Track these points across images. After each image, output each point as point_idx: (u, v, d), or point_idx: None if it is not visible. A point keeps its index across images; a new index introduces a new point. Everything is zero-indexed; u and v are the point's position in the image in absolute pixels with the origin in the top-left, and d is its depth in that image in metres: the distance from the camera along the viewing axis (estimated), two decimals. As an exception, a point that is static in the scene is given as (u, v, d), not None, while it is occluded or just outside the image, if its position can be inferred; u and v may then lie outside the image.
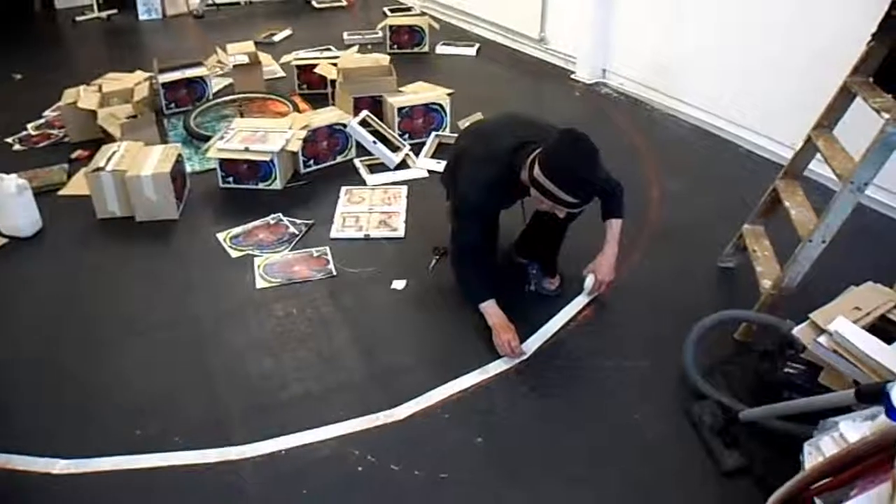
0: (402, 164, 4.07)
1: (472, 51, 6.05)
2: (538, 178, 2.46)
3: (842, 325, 2.18)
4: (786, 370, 2.40)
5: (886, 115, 2.41)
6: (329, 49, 5.67)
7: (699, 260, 3.32)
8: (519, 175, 2.62)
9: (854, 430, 1.82)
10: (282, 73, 5.30)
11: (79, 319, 2.93)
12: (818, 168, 3.13)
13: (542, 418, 2.48)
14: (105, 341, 2.81)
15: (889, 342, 2.15)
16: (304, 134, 3.82)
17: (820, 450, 1.88)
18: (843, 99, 2.85)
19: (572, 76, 5.53)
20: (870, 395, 1.79)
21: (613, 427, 2.45)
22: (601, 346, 2.80)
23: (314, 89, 4.97)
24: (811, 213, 2.78)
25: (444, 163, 4.01)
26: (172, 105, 4.71)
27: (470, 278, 2.83)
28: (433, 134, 4.34)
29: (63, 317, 2.95)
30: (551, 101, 5.28)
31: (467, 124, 4.44)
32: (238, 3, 7.31)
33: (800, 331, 2.31)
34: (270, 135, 3.80)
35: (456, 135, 4.30)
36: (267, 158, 3.69)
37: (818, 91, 3.81)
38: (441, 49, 6.04)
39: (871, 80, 2.73)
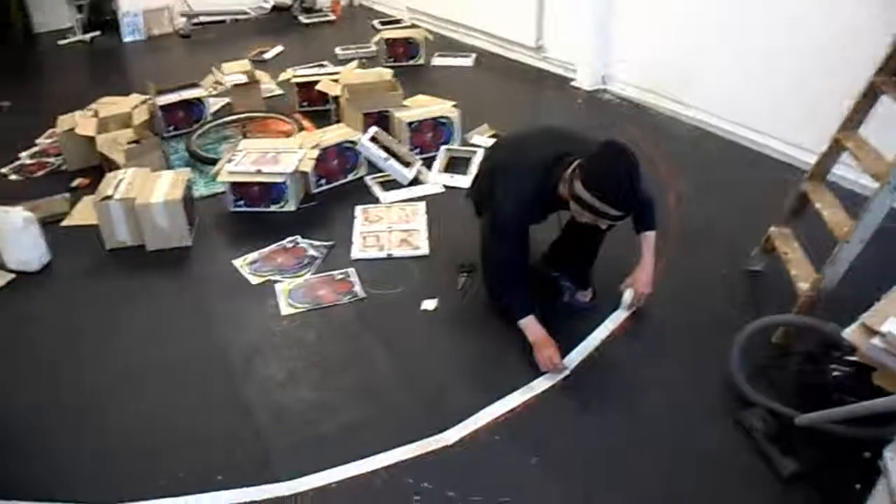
0: (415, 180, 3.98)
1: (468, 61, 5.99)
2: (580, 193, 2.39)
3: (895, 325, 2.13)
4: (833, 373, 2.36)
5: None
6: (324, 65, 5.59)
7: (725, 264, 3.27)
8: (556, 188, 2.56)
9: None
10: (279, 91, 5.19)
11: (96, 356, 2.81)
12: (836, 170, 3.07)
13: (594, 434, 2.42)
14: (129, 380, 2.68)
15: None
16: (315, 153, 3.72)
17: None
18: (869, 99, 2.82)
19: (572, 83, 5.48)
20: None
21: (667, 439, 2.39)
22: (642, 357, 2.75)
23: (314, 106, 4.87)
24: (844, 213, 2.75)
25: (458, 177, 3.99)
26: (171, 128, 4.59)
27: (508, 294, 2.76)
28: (443, 148, 4.27)
29: (79, 354, 2.82)
30: (554, 109, 5.24)
31: (486, 138, 4.41)
32: (223, 21, 7.18)
33: (851, 333, 2.25)
34: (281, 155, 3.70)
35: (466, 147, 4.30)
36: (280, 180, 3.59)
37: (824, 90, 3.83)
38: (437, 61, 5.97)
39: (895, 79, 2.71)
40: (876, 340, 2.12)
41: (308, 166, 3.67)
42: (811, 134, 3.95)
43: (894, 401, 2.00)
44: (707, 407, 2.51)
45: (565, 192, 2.51)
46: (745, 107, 4.43)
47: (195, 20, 6.98)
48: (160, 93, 4.55)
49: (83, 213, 3.66)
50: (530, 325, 2.69)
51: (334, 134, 3.96)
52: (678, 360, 2.72)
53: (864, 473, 2.10)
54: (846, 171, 3.36)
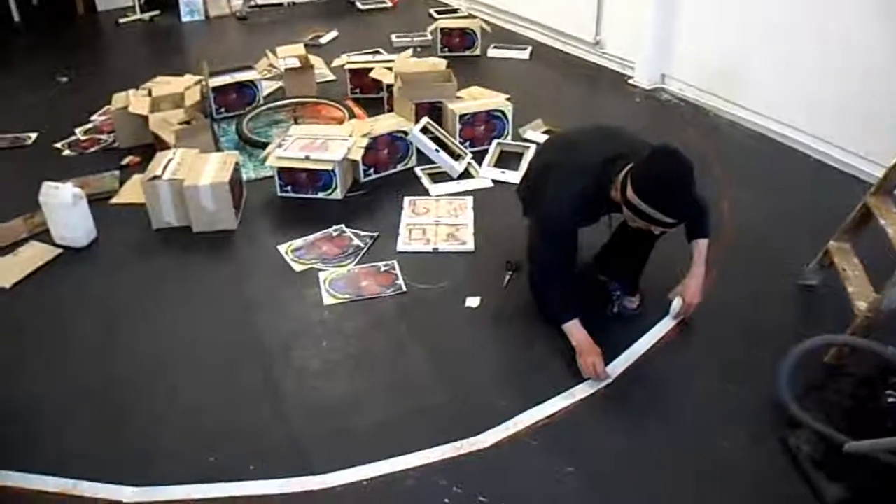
0: (465, 174, 3.91)
1: (524, 54, 5.89)
2: (632, 199, 2.31)
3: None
4: (889, 399, 2.23)
5: None
6: (379, 52, 5.55)
7: (777, 276, 3.14)
8: (608, 191, 2.47)
9: None
10: (332, 77, 5.17)
11: (138, 338, 2.80)
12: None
13: (633, 445, 2.33)
14: (167, 362, 2.67)
15: None
16: (365, 142, 3.67)
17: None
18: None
19: (629, 81, 5.34)
20: None
21: (708, 455, 2.30)
22: (687, 370, 2.65)
23: (367, 94, 4.84)
24: (911, 230, 2.62)
25: (508, 172, 3.91)
26: (223, 110, 4.59)
27: (553, 297, 2.68)
28: (495, 142, 4.19)
29: (122, 335, 2.82)
30: (610, 107, 5.10)
31: (540, 133, 4.33)
32: (281, 5, 7.20)
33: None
34: (330, 142, 3.66)
35: (518, 142, 4.22)
36: (329, 167, 3.55)
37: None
38: (493, 52, 5.88)
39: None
40: None
41: (357, 155, 3.62)
42: (879, 144, 3.81)
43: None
44: (753, 425, 2.40)
45: (617, 196, 2.42)
46: (808, 112, 4.25)
47: (252, 2, 7.00)
48: (213, 74, 4.55)
49: (131, 192, 3.67)
50: (575, 330, 2.61)
51: (385, 123, 3.91)
52: (725, 375, 2.61)
53: None
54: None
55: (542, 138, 4.27)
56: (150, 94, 4.28)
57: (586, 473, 2.21)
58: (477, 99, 4.30)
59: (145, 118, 4.05)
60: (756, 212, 3.59)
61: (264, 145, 3.97)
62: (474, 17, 6.18)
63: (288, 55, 4.82)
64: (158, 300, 3.01)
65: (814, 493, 2.16)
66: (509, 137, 4.28)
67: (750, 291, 3.03)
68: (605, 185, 2.47)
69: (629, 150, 2.49)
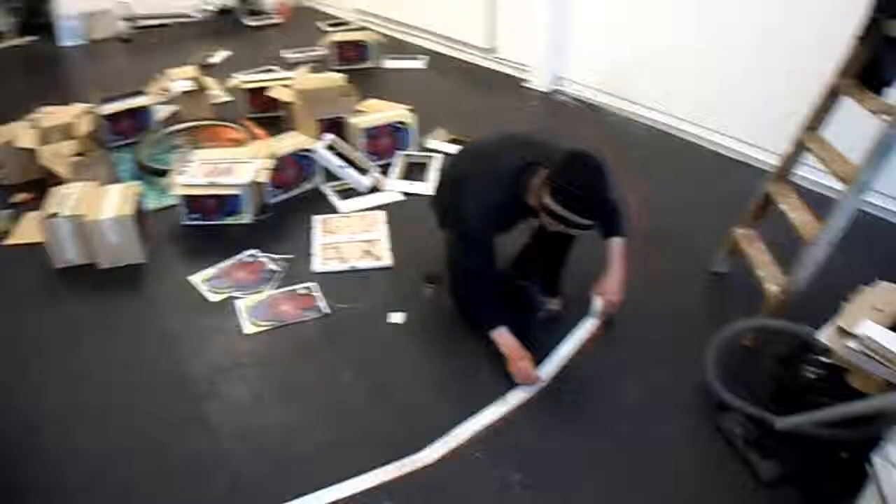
0: (374, 188, 3.90)
1: (420, 64, 5.93)
2: (549, 205, 2.36)
3: (869, 328, 2.17)
4: (807, 375, 2.36)
5: (887, 118, 2.42)
6: (273, 69, 5.46)
7: (690, 265, 3.30)
8: (525, 198, 2.52)
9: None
10: (227, 98, 5.05)
11: (51, 385, 2.64)
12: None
13: (573, 446, 2.39)
14: (88, 407, 2.53)
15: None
16: (271, 163, 3.61)
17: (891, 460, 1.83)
18: (831, 100, 2.85)
19: (526, 85, 5.47)
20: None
21: (647, 447, 2.39)
22: (616, 365, 2.74)
23: (265, 113, 4.75)
24: (810, 215, 2.78)
25: (417, 183, 3.93)
26: (116, 138, 4.41)
27: (479, 306, 2.72)
28: (400, 153, 4.20)
29: (31, 384, 2.65)
30: (509, 111, 5.19)
31: (445, 144, 4.35)
32: (166, 25, 6.97)
33: (827, 336, 2.28)
34: (235, 166, 3.58)
35: (423, 153, 4.24)
36: (236, 192, 3.48)
37: (783, 89, 3.90)
38: (388, 63, 5.90)
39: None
40: (852, 343, 2.16)
41: (264, 176, 3.56)
42: (767, 133, 4.04)
43: (875, 403, 2.04)
44: (686, 413, 2.52)
45: (534, 202, 2.48)
46: (702, 106, 4.47)
47: (137, 23, 6.76)
48: (104, 101, 4.38)
49: (27, 231, 3.49)
50: (503, 337, 2.65)
51: (289, 142, 3.86)
52: (653, 367, 2.71)
53: (842, 474, 2.16)
54: (808, 172, 3.38)
55: (446, 147, 4.32)
56: (37, 125, 4.07)
57: (534, 478, 2.25)
58: (378, 112, 4.30)
59: (34, 152, 3.85)
60: (661, 204, 3.74)
61: (165, 173, 3.85)
62: (367, 29, 6.17)
63: (180, 77, 4.69)
64: (69, 344, 2.85)
65: (751, 473, 2.27)
66: (414, 148, 4.30)
67: (666, 282, 3.16)
68: (521, 192, 2.52)
69: (543, 156, 2.55)
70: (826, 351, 2.25)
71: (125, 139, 4.42)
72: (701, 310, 3.08)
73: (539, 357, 2.69)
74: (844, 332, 2.23)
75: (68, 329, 2.94)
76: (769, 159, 4.10)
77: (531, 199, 2.50)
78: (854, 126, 2.58)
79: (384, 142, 4.19)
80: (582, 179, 2.34)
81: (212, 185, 3.47)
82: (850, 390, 2.19)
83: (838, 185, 2.58)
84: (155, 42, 6.66)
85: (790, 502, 2.19)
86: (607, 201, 2.39)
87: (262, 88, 4.68)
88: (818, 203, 2.81)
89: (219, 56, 6.05)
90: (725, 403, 2.48)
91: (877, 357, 2.11)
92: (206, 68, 5.68)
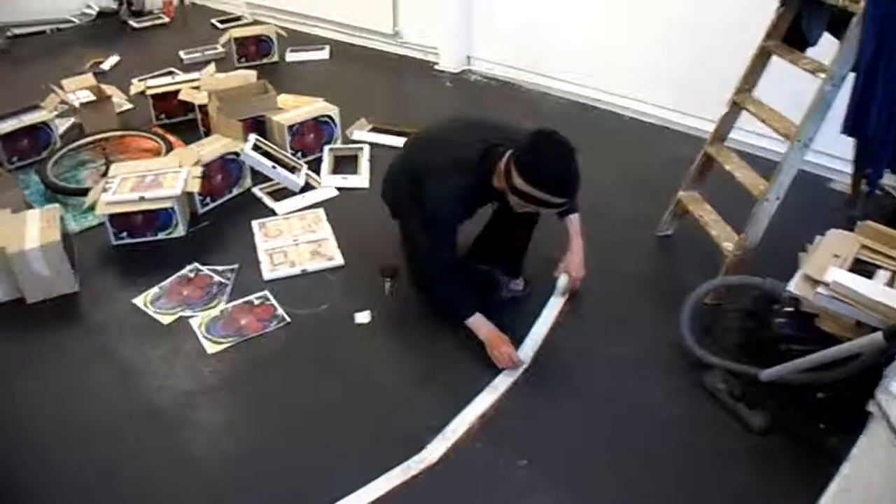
0: (307, 186, 3.77)
1: (324, 54, 5.77)
2: (521, 187, 2.34)
3: (837, 274, 2.27)
4: (779, 325, 2.45)
5: (823, 75, 2.53)
6: (173, 72, 5.19)
7: (634, 231, 3.37)
8: (490, 182, 2.48)
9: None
10: (129, 105, 4.76)
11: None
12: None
13: (568, 423, 2.41)
14: (48, 456, 2.31)
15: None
16: (199, 170, 3.43)
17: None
18: (761, 63, 2.95)
19: (436, 67, 5.41)
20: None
21: (637, 411, 2.44)
22: (592, 339, 2.77)
23: (174, 118, 4.52)
24: (753, 172, 2.88)
25: (351, 177, 3.83)
26: (15, 159, 4.09)
27: (450, 295, 2.68)
28: (326, 148, 4.08)
29: None
30: (423, 94, 5.14)
31: (369, 134, 4.26)
32: (44, 32, 6.48)
33: (795, 286, 2.36)
34: (162, 177, 3.38)
35: (349, 145, 4.13)
36: (167, 205, 3.28)
37: (689, 55, 4.03)
38: (291, 56, 5.71)
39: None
40: (822, 290, 2.25)
41: (195, 186, 3.37)
42: (685, 97, 4.16)
43: (854, 345, 2.14)
44: (664, 376, 2.58)
45: (501, 185, 2.44)
46: (616, 75, 4.54)
47: (10, 32, 6.25)
48: (-5, 120, 4.04)
49: (-63, 271, 3.18)
50: (479, 324, 2.62)
51: (214, 147, 3.67)
52: (627, 334, 2.77)
53: (822, 413, 2.30)
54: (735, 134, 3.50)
55: (370, 137, 4.24)
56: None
57: (539, 462, 2.25)
58: (298, 107, 4.15)
59: (-73, 183, 3.52)
60: (591, 174, 3.72)
61: (80, 192, 3.60)
62: (264, 23, 5.94)
63: (77, 87, 4.38)
64: (9, 391, 2.58)
65: (741, 425, 2.36)
66: (339, 142, 4.18)
67: (616, 251, 3.22)
68: (486, 176, 2.48)
69: (500, 137, 2.53)
70: (794, 300, 2.34)
71: (25, 159, 4.10)
72: (657, 273, 3.15)
73: (515, 340, 2.67)
74: (813, 280, 2.32)
75: (5, 374, 2.66)
76: (689, 122, 4.23)
77: (497, 182, 2.46)
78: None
79: (309, 138, 4.05)
80: (554, 159, 2.33)
81: (142, 199, 3.25)
82: (822, 334, 2.29)
83: (771, 144, 2.68)
84: (33, 52, 6.15)
85: (784, 447, 2.28)
86: (579, 177, 2.37)
87: (170, 93, 4.43)
88: (749, 162, 2.94)
89: (109, 62, 5.68)
90: (705, 361, 2.55)
91: (847, 300, 2.20)
92: (99, 76, 5.33)
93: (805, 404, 2.37)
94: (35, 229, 3.04)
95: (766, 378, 2.37)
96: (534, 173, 2.30)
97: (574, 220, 2.84)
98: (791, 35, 2.85)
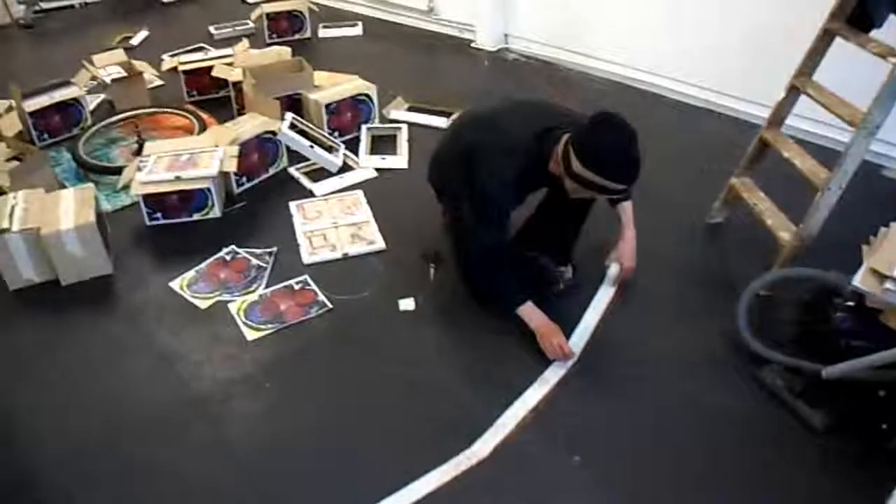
0: (345, 167, 3.66)
1: (357, 30, 5.63)
2: (580, 172, 2.22)
3: (905, 267, 2.14)
4: (840, 320, 2.32)
5: (894, 60, 2.38)
6: (204, 48, 5.08)
7: (683, 218, 3.25)
8: (545, 165, 2.37)
9: None
10: (160, 82, 4.67)
11: (44, 427, 2.31)
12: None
13: (622, 418, 2.30)
14: (87, 443, 2.23)
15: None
16: (236, 149, 3.32)
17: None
18: (824, 45, 2.81)
19: (472, 45, 5.27)
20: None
21: (695, 410, 2.32)
22: (643, 329, 2.66)
23: (206, 95, 4.42)
24: (813, 160, 2.75)
25: (389, 158, 3.71)
26: (46, 136, 4.01)
27: (500, 283, 2.56)
28: (364, 128, 3.96)
29: (22, 429, 2.31)
30: (460, 73, 4.99)
31: (407, 113, 4.14)
32: (72, 6, 6.38)
33: (860, 280, 2.23)
34: (198, 156, 3.28)
35: (387, 125, 4.01)
36: (204, 185, 3.18)
37: (738, 36, 3.86)
38: (324, 33, 5.58)
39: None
40: (889, 285, 2.13)
41: (231, 165, 3.27)
42: (732, 79, 4.00)
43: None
44: (719, 370, 2.46)
45: (557, 170, 2.33)
46: (660, 55, 4.37)
47: (37, 7, 6.16)
48: (26, 96, 3.95)
49: (-30, 251, 3.11)
50: (531, 313, 2.51)
51: (250, 125, 3.56)
52: (679, 326, 2.66)
53: (885, 413, 2.16)
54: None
55: (408, 116, 4.11)
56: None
57: (593, 458, 2.15)
58: (335, 84, 4.03)
59: (-41, 161, 3.44)
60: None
61: (114, 170, 3.52)
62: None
63: (108, 63, 4.29)
64: (45, 377, 2.51)
65: (801, 423, 2.25)
66: (377, 121, 4.06)
67: (666, 238, 3.09)
68: (541, 161, 2.37)
69: (556, 121, 2.42)
70: (856, 294, 2.22)
71: (56, 136, 4.01)
72: (708, 262, 3.02)
73: (564, 330, 2.55)
74: (879, 275, 2.19)
75: (39, 358, 2.58)
76: (736, 105, 4.07)
77: (553, 166, 2.35)
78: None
79: (346, 117, 3.93)
80: (614, 144, 2.22)
81: (178, 179, 3.16)
82: (886, 330, 2.17)
83: (818, 128, 2.54)
84: (61, 27, 6.06)
85: (848, 446, 2.17)
86: (641, 163, 2.25)
87: (203, 69, 4.32)
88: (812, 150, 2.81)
89: (138, 37, 5.57)
90: (763, 356, 2.42)
91: (915, 296, 2.09)
92: (127, 52, 5.23)
93: (865, 402, 2.24)
94: (70, 209, 2.95)
95: (829, 375, 2.24)
96: (594, 157, 2.19)
97: (627, 207, 2.73)
98: (855, 16, 2.70)
